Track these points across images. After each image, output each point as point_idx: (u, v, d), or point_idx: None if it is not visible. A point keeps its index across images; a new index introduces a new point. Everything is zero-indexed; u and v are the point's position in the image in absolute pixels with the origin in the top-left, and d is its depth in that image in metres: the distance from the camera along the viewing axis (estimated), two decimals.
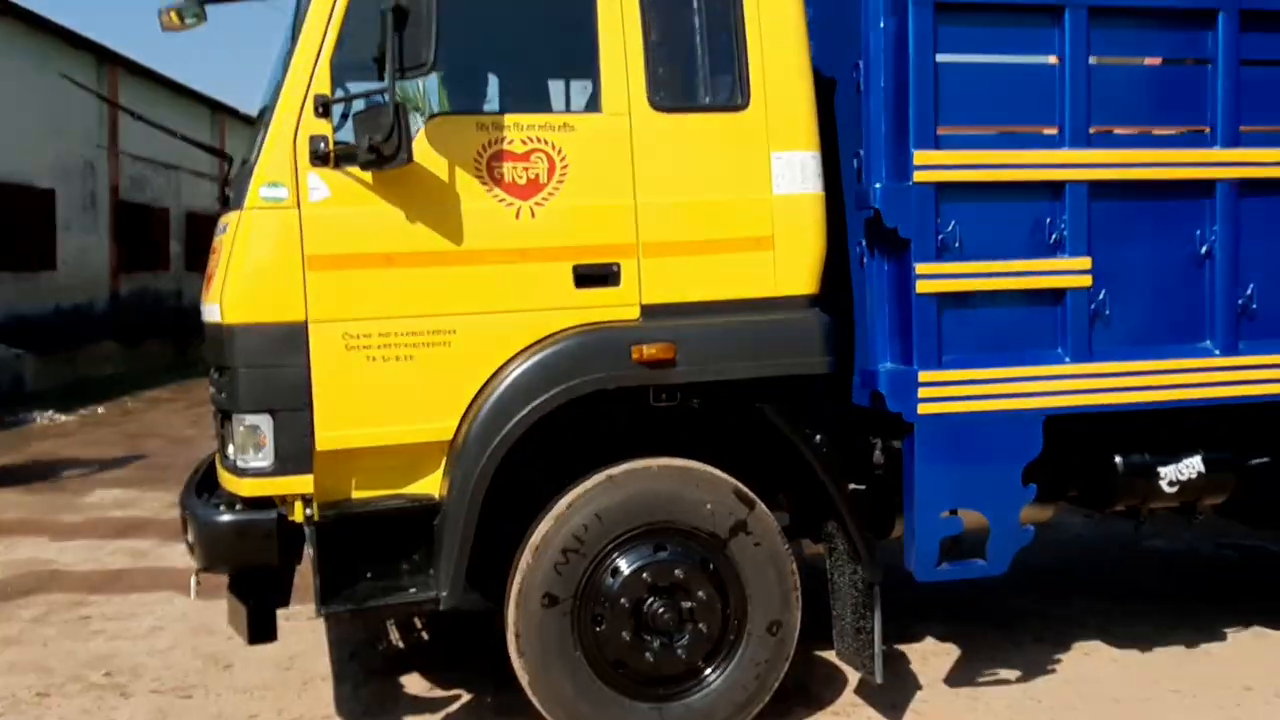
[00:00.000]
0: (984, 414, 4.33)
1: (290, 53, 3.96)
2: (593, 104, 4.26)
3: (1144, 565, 6.68)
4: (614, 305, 4.11)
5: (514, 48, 4.58)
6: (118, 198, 19.21)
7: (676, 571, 4.14)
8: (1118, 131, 4.57)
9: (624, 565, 4.11)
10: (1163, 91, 4.67)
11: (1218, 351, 4.58)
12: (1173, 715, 4.63)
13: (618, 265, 4.10)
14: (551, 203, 4.04)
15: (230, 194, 4.27)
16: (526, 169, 4.02)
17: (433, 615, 4.77)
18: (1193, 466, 4.67)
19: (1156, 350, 4.54)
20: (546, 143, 4.03)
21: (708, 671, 4.23)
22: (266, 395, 3.87)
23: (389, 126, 3.69)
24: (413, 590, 4.02)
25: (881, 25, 4.23)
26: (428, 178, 3.93)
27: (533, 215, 4.02)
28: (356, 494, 4.03)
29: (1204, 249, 4.56)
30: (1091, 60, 4.38)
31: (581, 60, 4.27)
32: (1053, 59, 4.39)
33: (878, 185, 4.27)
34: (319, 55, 3.86)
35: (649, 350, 4.06)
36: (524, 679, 4.10)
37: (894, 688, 4.76)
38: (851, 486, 4.39)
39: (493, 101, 4.74)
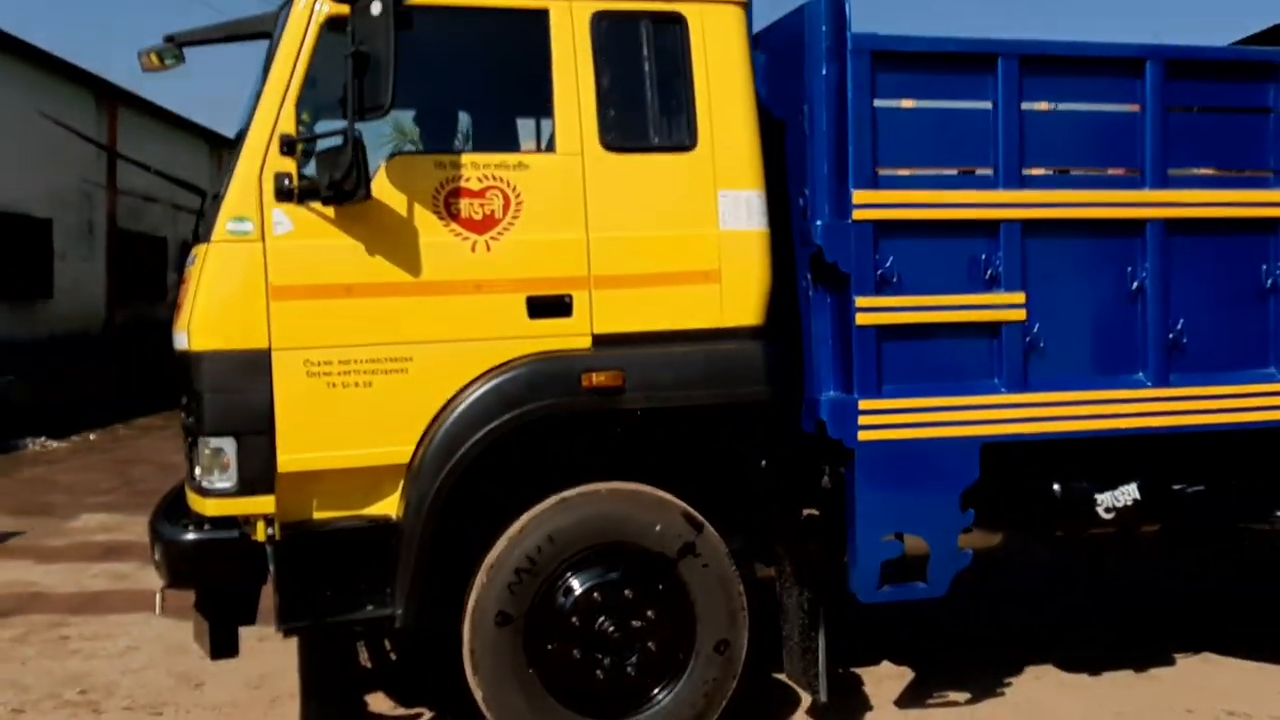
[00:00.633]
0: (922, 441, 4.47)
1: (260, 91, 4.13)
2: (549, 144, 4.43)
3: (1102, 592, 6.80)
4: (566, 335, 4.25)
5: (472, 91, 4.77)
6: (115, 227, 19.29)
7: (626, 591, 4.26)
8: (1038, 173, 4.73)
9: (576, 585, 4.24)
10: (1093, 135, 4.82)
11: (1150, 383, 4.73)
12: None
13: (570, 296, 4.25)
14: (507, 237, 4.19)
15: (200, 227, 4.44)
16: (483, 205, 4.17)
17: (401, 635, 4.90)
18: (1128, 494, 4.79)
19: (1090, 381, 4.69)
20: (502, 180, 4.19)
21: (657, 690, 4.35)
22: (231, 419, 4.02)
23: (348, 164, 3.85)
24: (370, 608, 4.15)
25: (823, 72, 4.40)
26: (387, 213, 4.09)
27: (488, 249, 4.17)
28: (317, 514, 4.15)
29: (1135, 285, 4.71)
30: (1023, 106, 4.55)
31: (537, 103, 4.47)
32: (988, 104, 4.56)
33: (819, 223, 4.44)
34: (285, 96, 4.03)
35: (598, 378, 4.21)
36: (479, 696, 4.22)
37: (844, 709, 4.89)
38: (806, 511, 4.53)
39: (453, 141, 4.93)
